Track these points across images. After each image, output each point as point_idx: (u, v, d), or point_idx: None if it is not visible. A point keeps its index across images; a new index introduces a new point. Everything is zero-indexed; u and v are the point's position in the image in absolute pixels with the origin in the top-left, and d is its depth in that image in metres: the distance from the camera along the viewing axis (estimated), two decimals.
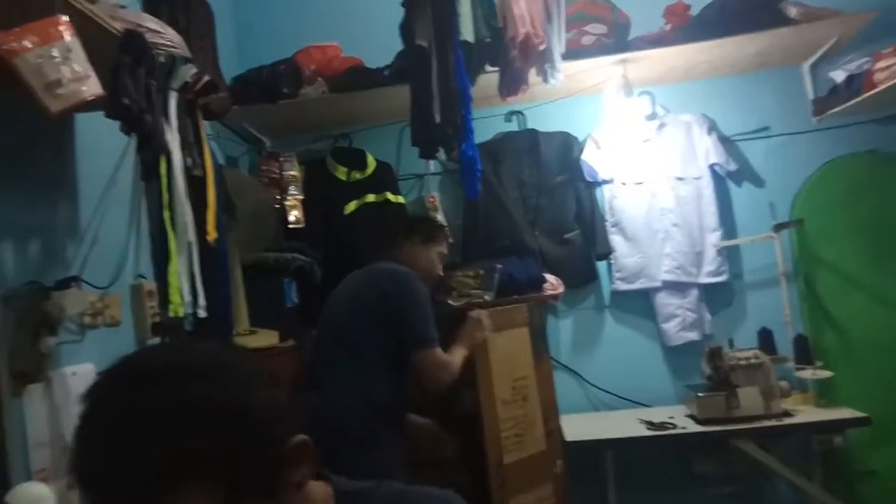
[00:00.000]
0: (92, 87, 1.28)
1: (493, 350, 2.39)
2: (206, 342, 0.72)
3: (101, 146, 1.86)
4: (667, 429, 2.59)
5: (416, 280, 2.19)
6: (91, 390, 0.67)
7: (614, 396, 3.06)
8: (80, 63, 1.25)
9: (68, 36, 1.24)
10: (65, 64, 1.21)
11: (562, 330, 3.17)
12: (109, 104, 1.39)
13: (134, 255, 1.83)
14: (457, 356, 2.15)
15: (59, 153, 1.74)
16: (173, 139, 1.61)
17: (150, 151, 1.53)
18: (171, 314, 1.57)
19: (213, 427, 0.63)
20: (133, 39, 1.46)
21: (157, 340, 1.99)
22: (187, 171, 1.67)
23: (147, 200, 1.59)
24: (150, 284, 1.91)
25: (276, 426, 0.67)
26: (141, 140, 1.51)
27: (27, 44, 1.23)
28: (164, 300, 1.63)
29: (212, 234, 1.77)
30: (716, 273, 3.03)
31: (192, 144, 1.71)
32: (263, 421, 0.66)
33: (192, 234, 1.67)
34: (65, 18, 1.26)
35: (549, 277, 2.94)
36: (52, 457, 1.53)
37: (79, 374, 1.68)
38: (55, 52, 1.24)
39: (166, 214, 1.58)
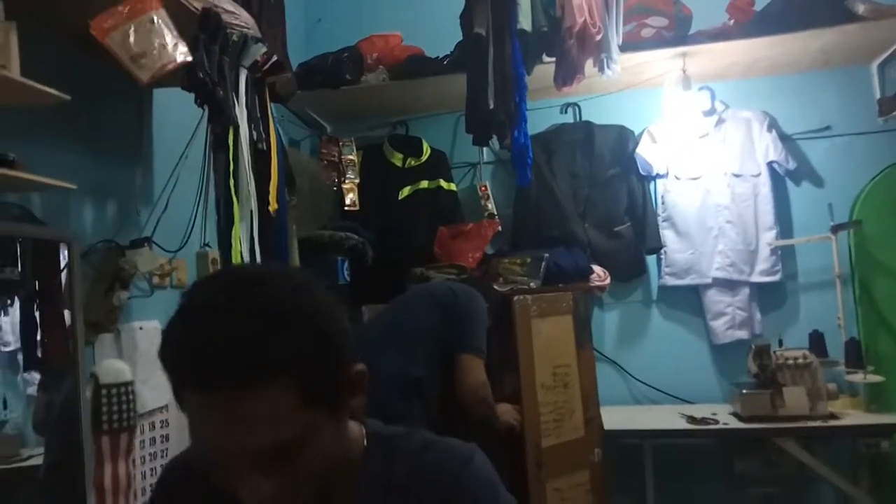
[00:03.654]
0: (176, 56, 1.38)
1: (537, 335, 2.43)
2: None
3: (176, 119, 2.00)
4: (708, 424, 2.59)
5: (484, 303, 2.25)
6: (195, 288, 0.72)
7: (657, 391, 3.06)
8: (165, 33, 1.35)
9: (153, 9, 1.35)
10: (149, 36, 1.32)
11: (607, 322, 3.18)
12: (186, 77, 1.50)
13: (201, 224, 1.95)
14: (495, 403, 2.17)
15: (137, 124, 1.89)
16: (241, 113, 1.72)
17: (220, 124, 1.64)
18: None
19: (303, 331, 0.68)
20: (210, 18, 1.57)
21: None
22: (253, 144, 1.78)
23: (215, 170, 1.70)
24: (214, 253, 2.03)
25: (349, 349, 0.74)
26: (212, 112, 1.63)
27: (116, 22, 1.34)
28: (226, 265, 1.74)
29: (273, 205, 1.88)
30: (769, 272, 2.99)
31: (258, 119, 1.82)
32: (341, 339, 0.72)
33: (254, 204, 1.78)
34: None
35: (597, 269, 2.97)
36: None
37: (145, 329, 1.82)
38: (140, 26, 1.34)
39: (231, 183, 1.69)
